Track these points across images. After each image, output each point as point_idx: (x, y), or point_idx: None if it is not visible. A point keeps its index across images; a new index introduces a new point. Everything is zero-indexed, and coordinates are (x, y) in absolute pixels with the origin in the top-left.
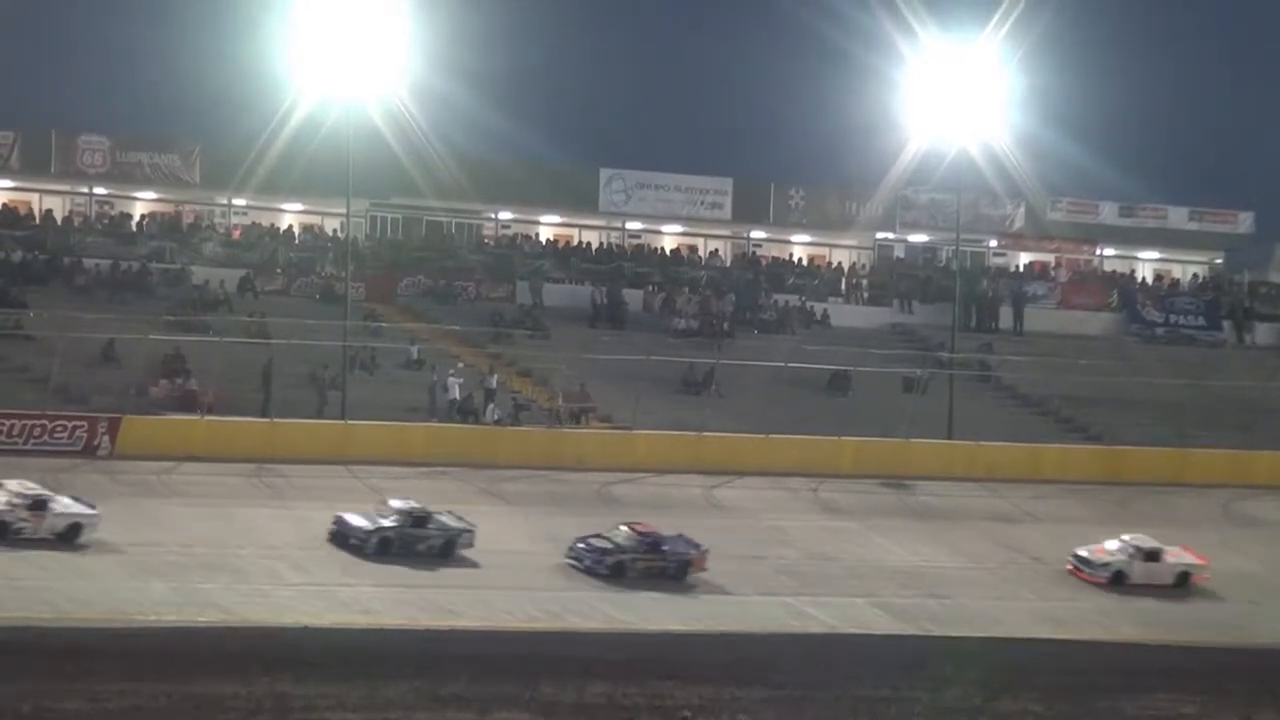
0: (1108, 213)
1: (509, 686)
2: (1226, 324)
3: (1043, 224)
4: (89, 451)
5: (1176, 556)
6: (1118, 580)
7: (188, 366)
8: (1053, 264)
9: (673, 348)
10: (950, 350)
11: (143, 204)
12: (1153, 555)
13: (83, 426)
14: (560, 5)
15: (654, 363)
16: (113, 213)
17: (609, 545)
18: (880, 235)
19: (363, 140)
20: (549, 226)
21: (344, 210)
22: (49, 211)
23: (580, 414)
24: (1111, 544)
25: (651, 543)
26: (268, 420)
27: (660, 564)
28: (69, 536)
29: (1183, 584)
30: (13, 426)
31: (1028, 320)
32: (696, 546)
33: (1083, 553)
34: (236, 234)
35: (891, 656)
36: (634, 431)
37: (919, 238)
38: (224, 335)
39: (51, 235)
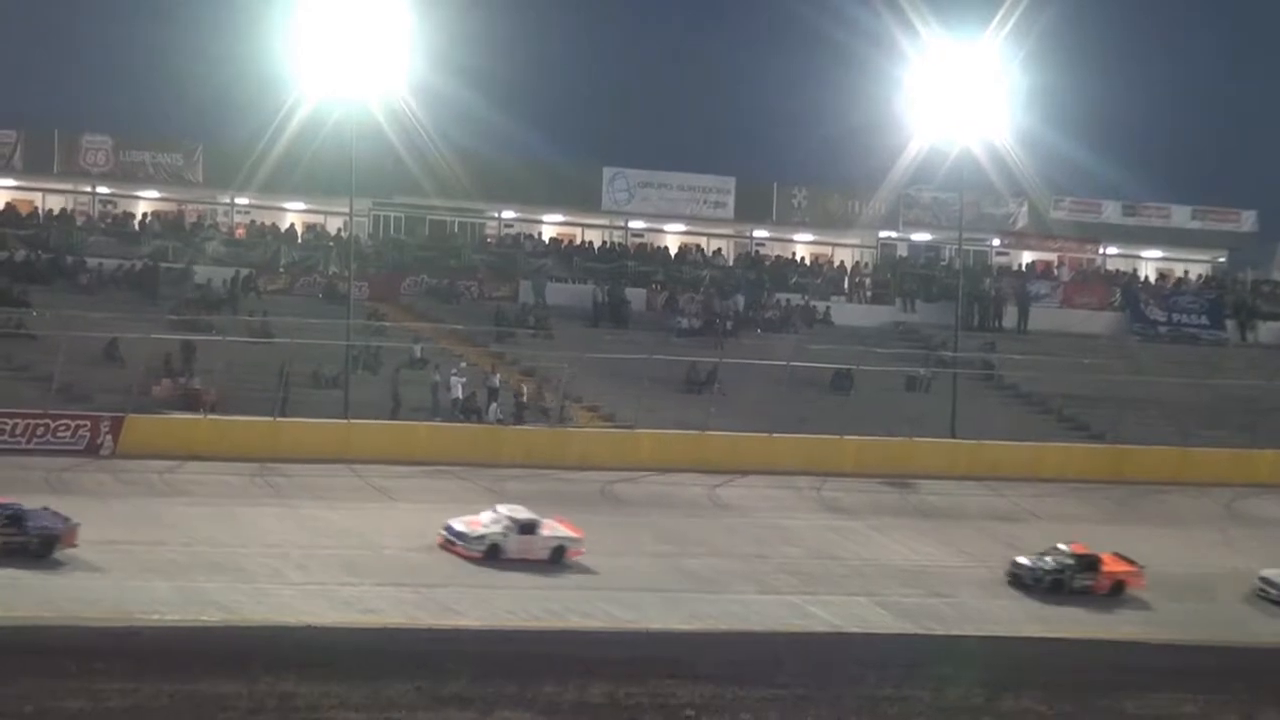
0: (1110, 211)
1: (511, 686)
2: (1230, 323)
3: (1046, 223)
4: (92, 451)
5: (552, 530)
6: (492, 554)
7: (192, 367)
8: (1056, 263)
9: (675, 347)
10: (953, 349)
11: (146, 203)
12: (528, 528)
13: (86, 425)
14: (563, 4)
15: (657, 362)
16: (116, 212)
17: None
18: (883, 234)
19: (365, 139)
20: (552, 225)
21: (347, 209)
22: (52, 211)
23: (563, 408)
24: (486, 515)
25: (11, 515)
26: (271, 419)
27: (21, 539)
28: None
29: (559, 559)
30: (15, 425)
31: (1031, 319)
32: (65, 520)
33: (456, 525)
34: (239, 233)
35: (894, 655)
36: (637, 430)
37: (922, 236)
38: (227, 335)
39: (54, 234)
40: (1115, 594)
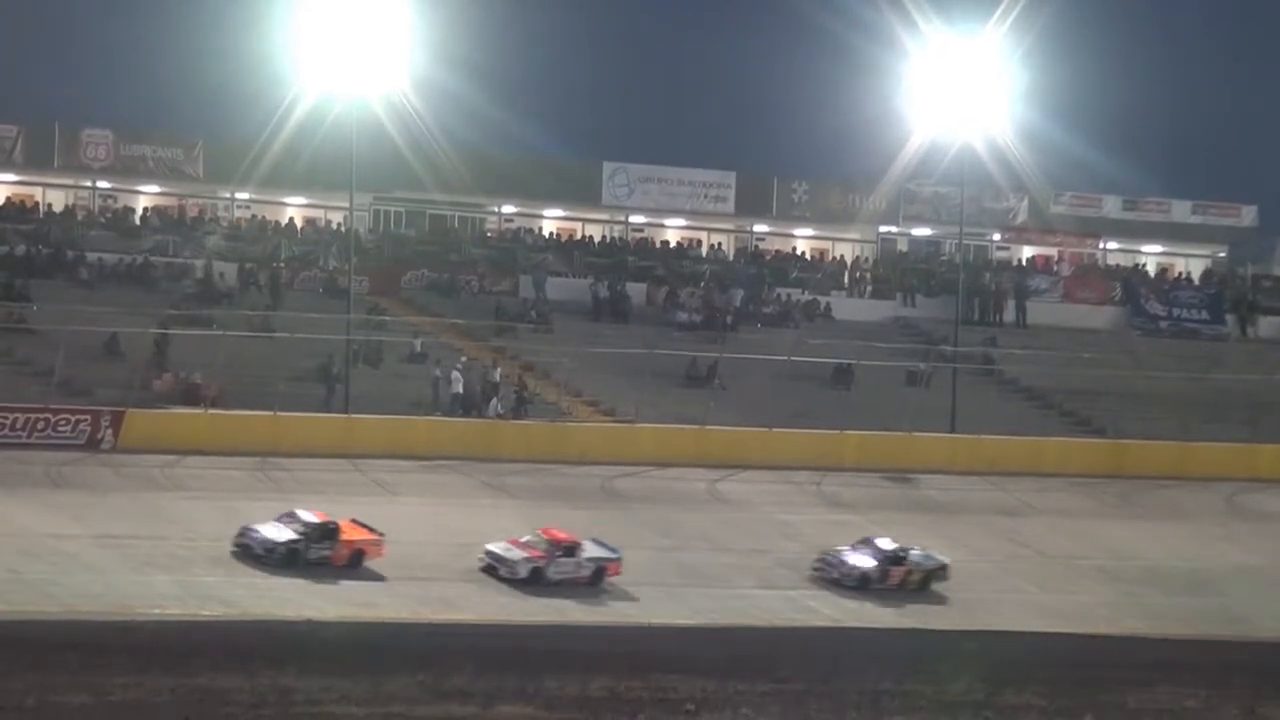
0: (1111, 206)
1: (512, 680)
2: (1230, 317)
3: (1046, 217)
4: (92, 445)
5: None
6: None
7: (167, 358)
8: (1056, 257)
9: (676, 341)
10: (953, 344)
11: (146, 197)
12: None
13: (86, 420)
14: None
15: (657, 356)
16: (116, 206)
17: None
18: (883, 229)
19: (365, 134)
20: (552, 220)
21: (347, 204)
22: (52, 205)
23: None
24: None
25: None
26: (271, 414)
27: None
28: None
29: None
30: (16, 420)
31: (1031, 314)
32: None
33: None
34: (240, 227)
35: (895, 650)
36: (637, 425)
37: (922, 231)
38: (227, 329)
39: (55, 229)
40: (355, 564)
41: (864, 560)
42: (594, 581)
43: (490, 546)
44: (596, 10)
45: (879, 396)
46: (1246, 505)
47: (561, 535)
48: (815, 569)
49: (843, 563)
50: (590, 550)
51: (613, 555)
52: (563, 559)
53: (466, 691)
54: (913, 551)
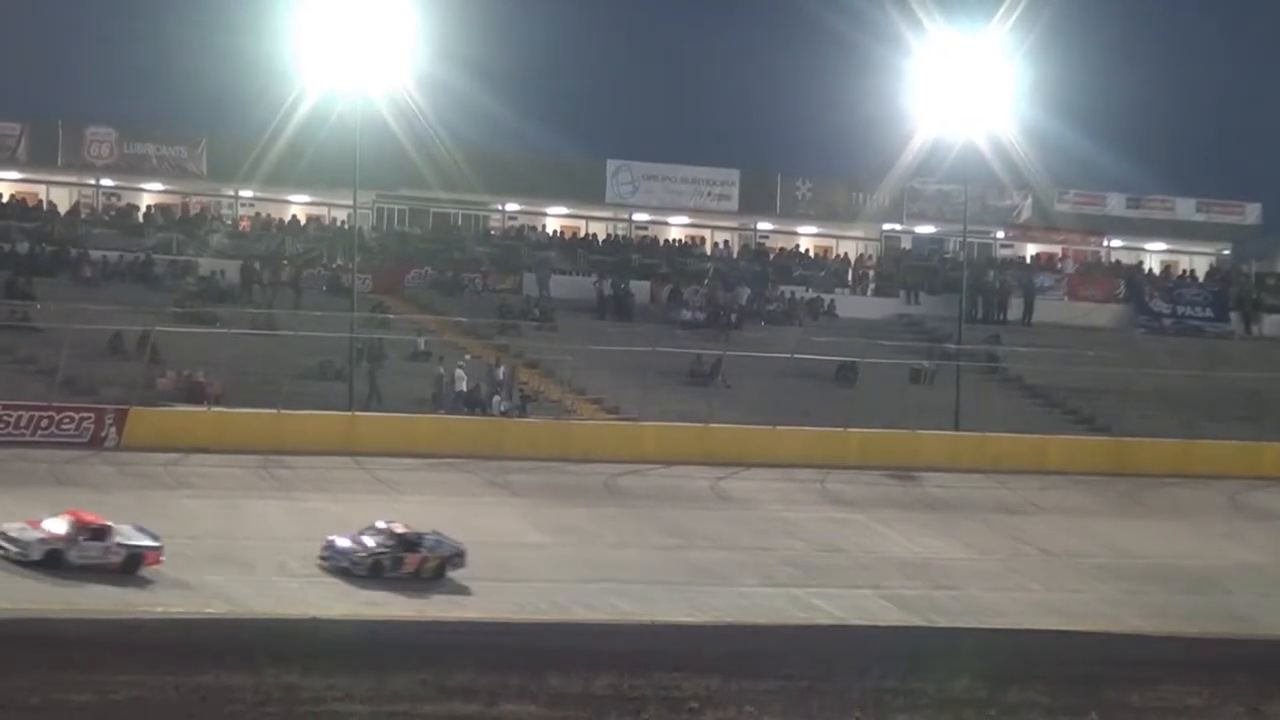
0: (1115, 204)
1: (516, 678)
2: (1234, 315)
3: (1050, 215)
4: (96, 443)
5: None
6: None
7: (161, 356)
8: (1060, 255)
9: (679, 339)
10: (957, 341)
11: (150, 195)
12: None
13: (90, 418)
14: None
15: (661, 354)
16: (120, 204)
17: None
18: (887, 226)
19: (369, 132)
20: (555, 218)
21: (350, 202)
22: (56, 203)
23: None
24: None
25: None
26: (274, 412)
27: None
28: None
29: None
30: (20, 418)
31: (1035, 312)
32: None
33: None
34: (243, 226)
35: (898, 648)
36: (641, 423)
37: (926, 229)
38: (231, 327)
39: (58, 227)
40: None
41: (375, 546)
42: (127, 569)
43: (3, 526)
44: (600, 7)
45: (882, 394)
46: (1250, 503)
47: (89, 517)
48: (322, 558)
49: (353, 549)
50: (125, 536)
51: (153, 544)
52: (88, 543)
53: (470, 689)
54: (427, 536)
